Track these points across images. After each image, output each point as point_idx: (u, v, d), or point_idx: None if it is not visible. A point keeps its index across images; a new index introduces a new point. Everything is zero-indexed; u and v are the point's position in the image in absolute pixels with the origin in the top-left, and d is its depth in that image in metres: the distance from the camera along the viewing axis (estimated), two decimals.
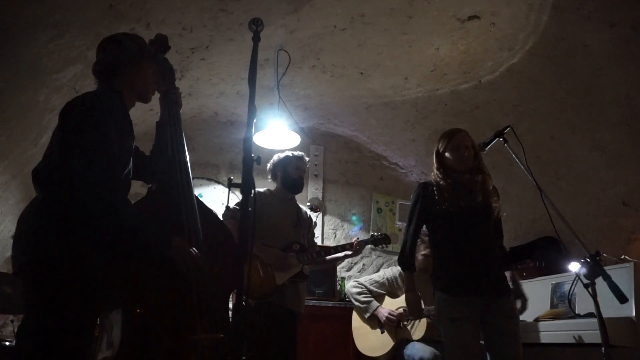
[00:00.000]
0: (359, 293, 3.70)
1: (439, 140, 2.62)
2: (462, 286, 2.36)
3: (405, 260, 2.56)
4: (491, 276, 2.39)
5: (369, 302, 3.63)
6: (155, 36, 2.04)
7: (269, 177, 3.17)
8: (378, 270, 4.41)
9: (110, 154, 1.67)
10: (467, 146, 2.51)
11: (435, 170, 2.59)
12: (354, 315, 3.79)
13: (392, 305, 3.61)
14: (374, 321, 3.62)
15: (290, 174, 3.09)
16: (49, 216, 1.63)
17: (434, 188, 2.52)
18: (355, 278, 4.10)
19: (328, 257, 3.09)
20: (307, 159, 3.19)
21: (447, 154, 2.55)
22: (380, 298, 3.70)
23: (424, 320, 3.41)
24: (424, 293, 3.58)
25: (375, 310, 3.58)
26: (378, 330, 3.59)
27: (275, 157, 3.16)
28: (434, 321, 2.61)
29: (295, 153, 3.17)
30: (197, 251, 1.82)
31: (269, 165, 3.17)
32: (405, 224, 2.67)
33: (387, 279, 3.75)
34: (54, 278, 1.57)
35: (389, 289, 3.72)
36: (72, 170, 1.62)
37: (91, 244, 1.65)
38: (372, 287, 3.73)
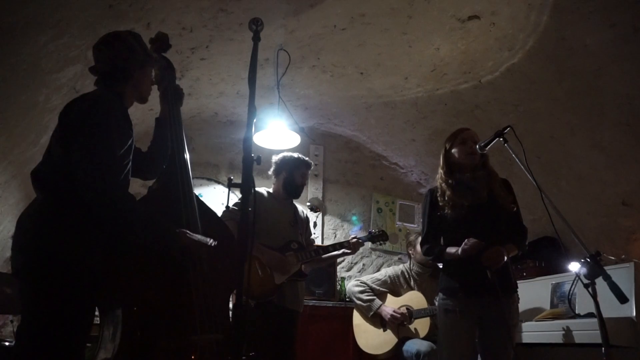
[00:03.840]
0: (362, 292, 3.70)
1: (445, 141, 2.62)
2: (463, 290, 2.37)
3: (437, 255, 2.50)
4: (496, 275, 2.30)
5: (371, 301, 3.63)
6: (156, 35, 2.04)
7: (271, 171, 3.14)
8: (378, 270, 4.41)
9: (111, 155, 1.67)
10: (475, 141, 2.50)
11: (440, 171, 2.58)
12: (355, 313, 3.79)
13: (395, 303, 3.61)
14: (376, 319, 3.63)
15: (296, 179, 3.08)
16: (49, 217, 1.63)
17: (438, 193, 2.54)
18: (356, 278, 4.10)
19: (326, 256, 3.09)
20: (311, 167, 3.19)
21: (454, 150, 2.55)
22: (382, 296, 3.71)
23: (427, 319, 3.42)
24: (427, 289, 3.60)
25: (378, 308, 3.58)
26: (380, 328, 3.60)
27: (287, 155, 3.13)
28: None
29: (306, 159, 3.14)
30: (200, 237, 1.81)
31: (275, 158, 3.13)
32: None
33: (389, 277, 3.75)
34: (52, 278, 1.57)
35: (391, 287, 3.72)
36: (73, 171, 1.61)
37: (91, 244, 1.65)
38: (374, 286, 3.73)
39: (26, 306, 1.60)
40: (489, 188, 2.48)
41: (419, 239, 3.37)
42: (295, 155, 3.14)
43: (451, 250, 2.41)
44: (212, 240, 1.80)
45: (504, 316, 2.29)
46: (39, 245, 1.60)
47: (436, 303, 2.60)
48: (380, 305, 3.59)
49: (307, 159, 3.17)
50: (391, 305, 3.60)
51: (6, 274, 3.10)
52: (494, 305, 2.30)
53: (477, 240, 2.33)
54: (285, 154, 3.15)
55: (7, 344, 2.70)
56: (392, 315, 3.50)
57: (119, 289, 1.72)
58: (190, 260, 1.79)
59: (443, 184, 2.52)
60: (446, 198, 2.47)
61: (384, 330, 3.56)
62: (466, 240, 2.35)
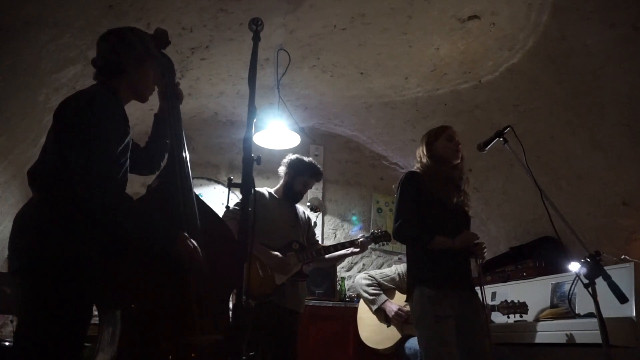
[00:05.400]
0: (369, 285, 3.72)
1: (427, 134, 2.62)
2: (451, 281, 2.37)
3: (424, 241, 2.38)
4: (469, 272, 2.45)
5: (377, 295, 3.65)
6: (155, 31, 2.02)
7: (280, 168, 3.11)
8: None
9: (107, 153, 1.66)
10: (459, 141, 2.56)
11: (424, 160, 2.55)
12: (361, 305, 3.81)
13: (402, 300, 3.62)
14: (380, 314, 3.64)
15: (295, 185, 3.06)
16: (46, 216, 1.62)
17: (423, 177, 2.48)
18: (365, 272, 4.10)
19: (330, 255, 3.07)
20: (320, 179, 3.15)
21: (438, 143, 2.55)
22: (390, 292, 3.71)
23: None
24: None
25: (382, 304, 3.60)
26: (384, 323, 3.61)
27: (299, 159, 3.09)
28: (413, 320, 2.49)
29: (316, 168, 3.08)
30: (196, 244, 1.80)
31: (287, 158, 3.10)
32: None
33: (398, 274, 3.76)
34: (50, 278, 1.56)
35: (400, 284, 3.73)
36: (69, 169, 1.61)
37: (88, 243, 1.64)
38: (382, 281, 3.74)
39: (24, 305, 1.60)
40: (464, 193, 2.57)
41: None
42: (307, 160, 3.08)
43: (442, 239, 2.36)
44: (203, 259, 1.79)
45: (476, 305, 2.37)
46: (36, 244, 1.59)
47: (410, 304, 2.45)
48: (386, 301, 3.60)
49: (319, 168, 3.09)
50: (398, 302, 3.61)
51: (6, 273, 3.08)
52: (468, 301, 2.37)
53: (473, 232, 2.42)
54: (299, 157, 3.10)
55: (7, 344, 2.70)
56: (396, 312, 3.51)
57: (118, 289, 1.72)
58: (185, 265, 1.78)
59: (432, 171, 2.49)
60: (438, 185, 2.45)
61: (388, 326, 3.58)
62: (465, 231, 2.41)
